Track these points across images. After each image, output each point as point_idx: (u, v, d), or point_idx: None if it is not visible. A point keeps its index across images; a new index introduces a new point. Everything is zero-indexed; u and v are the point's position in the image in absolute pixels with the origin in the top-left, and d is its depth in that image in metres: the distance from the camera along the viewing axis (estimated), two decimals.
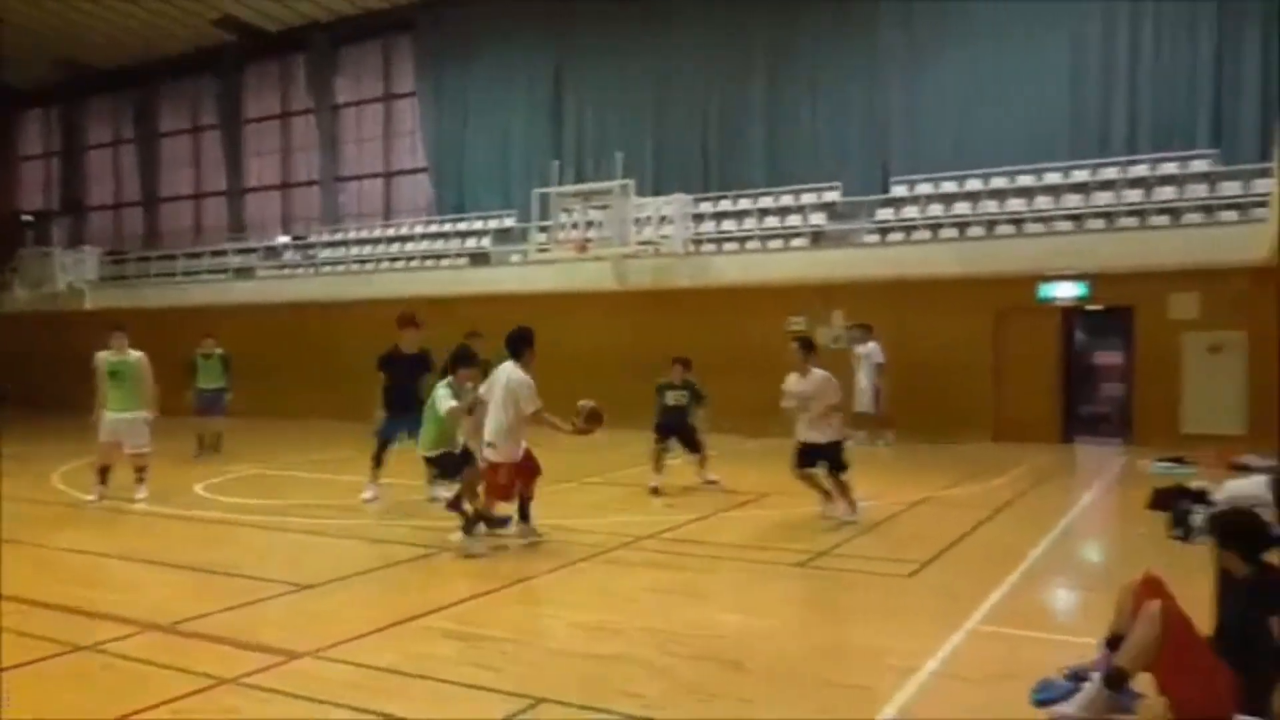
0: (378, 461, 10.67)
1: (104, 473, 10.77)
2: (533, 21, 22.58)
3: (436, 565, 7.89)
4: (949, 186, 17.77)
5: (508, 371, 8.20)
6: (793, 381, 9.30)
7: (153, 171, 29.80)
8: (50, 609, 6.49)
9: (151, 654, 5.52)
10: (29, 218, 30.63)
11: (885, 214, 17.92)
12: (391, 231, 23.85)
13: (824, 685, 4.95)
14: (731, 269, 17.98)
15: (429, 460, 8.54)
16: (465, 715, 4.60)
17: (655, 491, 10.90)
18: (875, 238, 17.65)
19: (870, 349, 15.72)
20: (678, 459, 11.80)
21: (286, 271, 24.26)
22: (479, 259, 21.47)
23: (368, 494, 10.52)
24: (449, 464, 8.39)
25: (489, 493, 8.26)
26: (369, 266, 22.92)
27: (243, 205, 28.20)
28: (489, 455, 8.09)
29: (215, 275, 24.94)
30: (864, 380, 15.70)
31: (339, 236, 24.72)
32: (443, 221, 23.21)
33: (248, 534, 9.37)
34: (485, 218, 22.66)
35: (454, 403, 8.15)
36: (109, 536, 9.25)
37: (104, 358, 10.80)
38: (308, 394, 20.39)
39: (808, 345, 9.65)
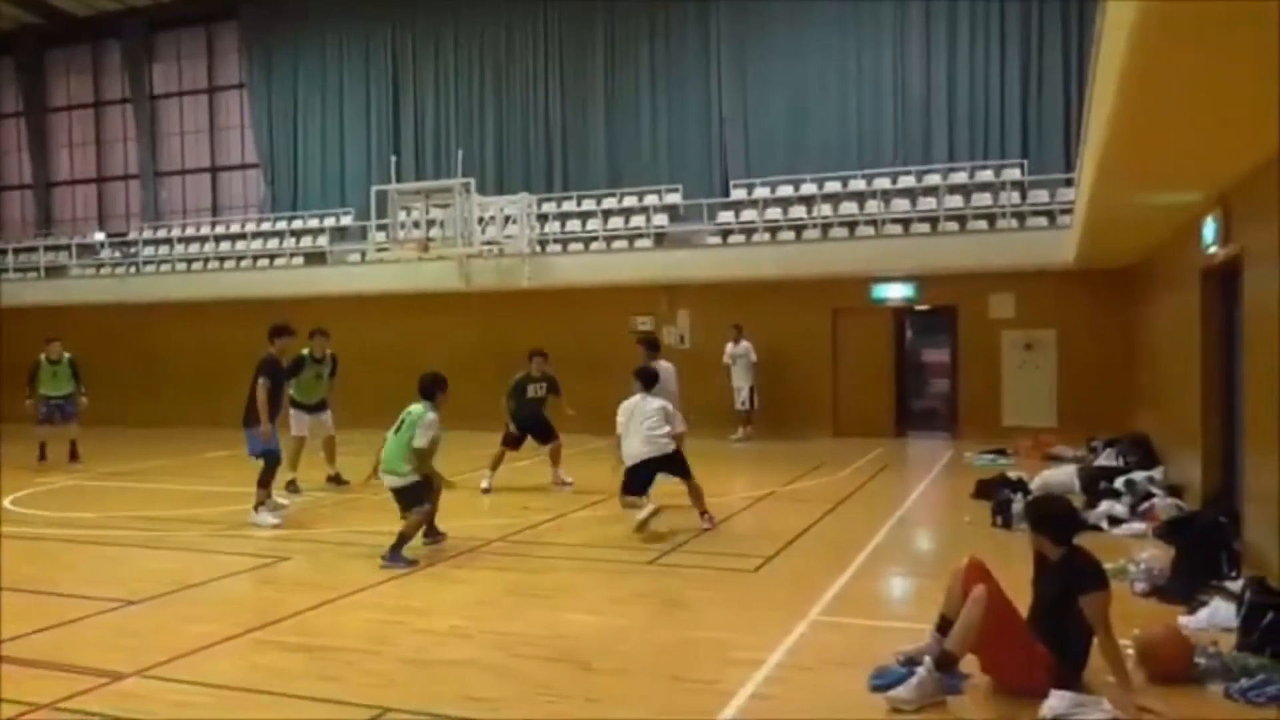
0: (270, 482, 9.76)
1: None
2: (367, 10, 21.92)
3: (275, 575, 7.58)
4: (785, 190, 18.36)
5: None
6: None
7: None
8: None
9: None
10: None
11: (726, 216, 18.34)
12: (220, 229, 22.70)
13: (671, 681, 5.02)
14: (576, 269, 18.02)
15: (400, 490, 7.93)
16: None
17: (486, 491, 10.96)
18: (717, 239, 18.05)
19: (744, 348, 16.15)
20: (528, 459, 11.73)
21: (104, 270, 22.73)
22: (315, 258, 20.71)
23: (274, 519, 9.48)
24: (419, 492, 7.95)
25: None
26: (196, 266, 21.74)
27: (51, 199, 26.23)
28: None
29: (21, 274, 23.11)
30: (738, 379, 16.15)
31: (162, 234, 23.34)
32: (275, 219, 22.27)
33: (64, 549, 8.72)
34: (321, 216, 21.89)
35: (431, 435, 7.85)
36: None
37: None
38: (124, 400, 19.21)
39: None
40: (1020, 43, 17.52)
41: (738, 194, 18.64)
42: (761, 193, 18.31)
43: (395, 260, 17.91)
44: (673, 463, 8.85)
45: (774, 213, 17.95)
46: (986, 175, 17.19)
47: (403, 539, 7.73)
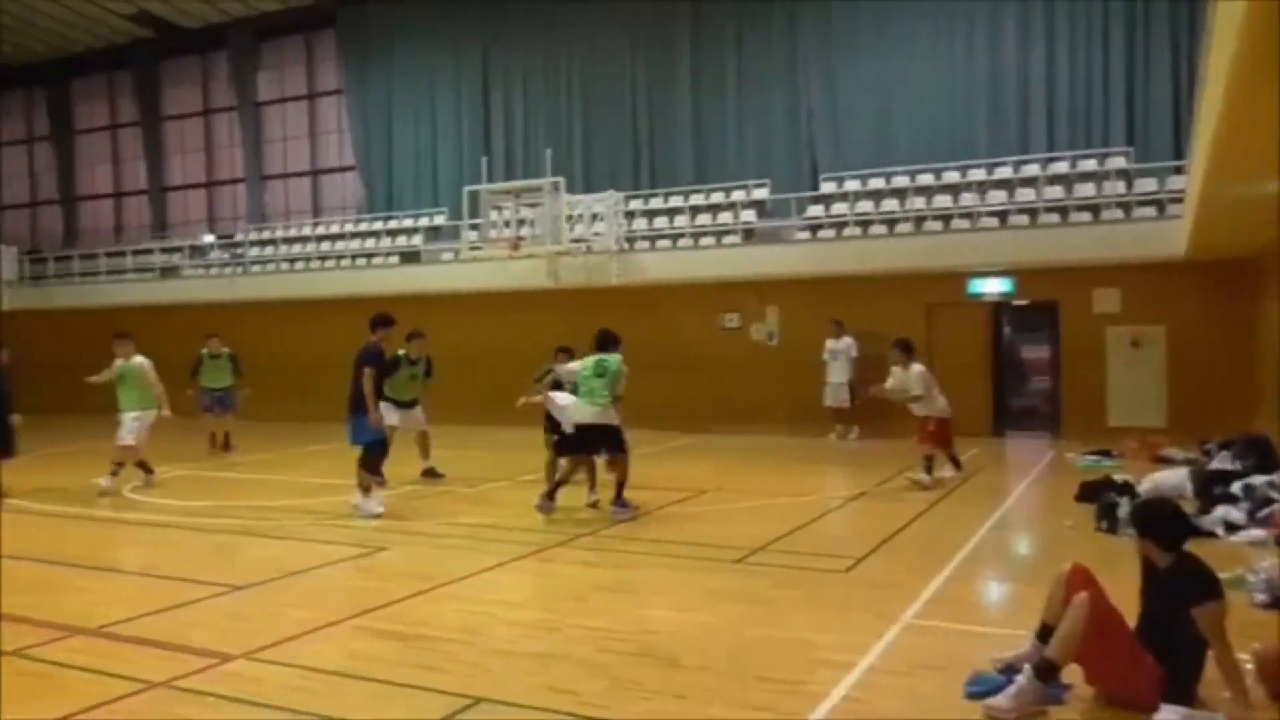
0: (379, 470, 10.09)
1: (143, 464, 11.79)
2: (459, 15, 22.32)
3: (373, 565, 7.79)
4: (876, 183, 18.06)
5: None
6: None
7: (69, 169, 28.83)
8: None
9: (78, 659, 5.36)
10: None
11: (815, 211, 18.14)
12: (320, 230, 23.42)
13: (759, 681, 4.98)
14: (664, 266, 18.04)
15: (606, 430, 9.24)
16: (404, 715, 4.54)
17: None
18: (806, 234, 17.87)
19: (846, 343, 15.97)
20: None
21: (214, 271, 23.67)
22: (410, 257, 21.20)
23: (380, 507, 9.71)
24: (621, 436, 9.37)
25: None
26: (298, 265, 22.47)
27: (166, 204, 27.44)
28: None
29: (140, 275, 24.23)
30: (838, 375, 15.97)
31: (266, 235, 24.20)
32: (373, 220, 22.88)
33: (177, 536, 9.13)
34: (415, 216, 22.39)
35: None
36: (26, 540, 8.92)
37: (117, 363, 11.73)
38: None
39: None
40: (1125, 24, 16.87)
41: (827, 188, 18.41)
42: (852, 186, 18.04)
43: (487, 259, 18.20)
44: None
45: (865, 206, 17.68)
46: (1089, 165, 16.62)
47: (621, 486, 9.17)
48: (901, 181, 17.76)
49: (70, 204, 28.83)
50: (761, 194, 18.91)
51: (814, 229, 17.86)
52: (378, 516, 9.50)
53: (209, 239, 25.31)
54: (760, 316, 17.58)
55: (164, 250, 24.81)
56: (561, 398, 9.92)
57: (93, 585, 7.27)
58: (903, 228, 17.06)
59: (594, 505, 9.76)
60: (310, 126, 25.48)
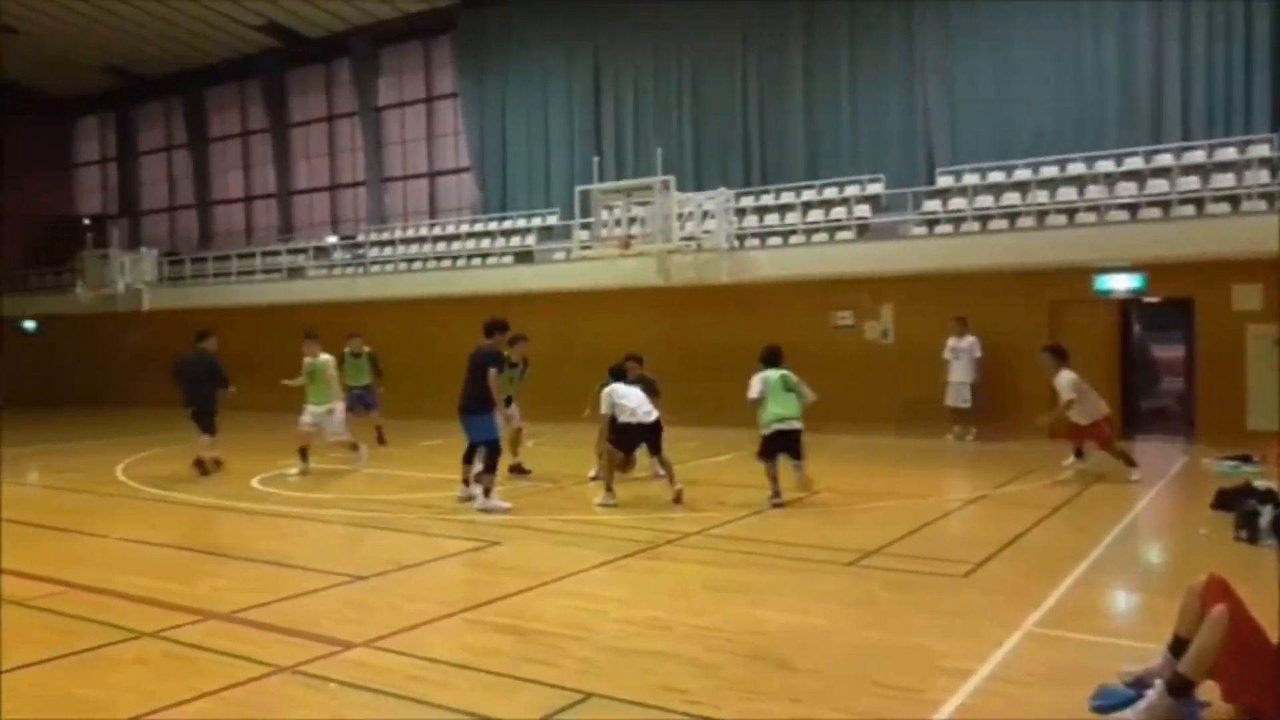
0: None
1: (304, 452, 12.76)
2: (570, 18, 22.58)
3: (484, 559, 7.95)
4: (996, 176, 17.50)
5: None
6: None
7: (204, 175, 30.35)
8: (113, 596, 6.66)
9: (211, 641, 5.64)
10: (88, 221, 31.36)
11: (932, 205, 17.69)
12: (437, 230, 24.05)
13: (873, 686, 4.88)
14: (775, 263, 17.86)
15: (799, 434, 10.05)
16: (517, 708, 4.61)
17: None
18: (922, 230, 17.44)
19: (970, 342, 15.58)
20: (728, 454, 11.72)
21: (336, 271, 24.55)
22: (523, 257, 21.57)
23: (506, 504, 9.99)
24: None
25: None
26: (416, 265, 23.12)
27: (291, 206, 28.63)
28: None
29: (268, 275, 25.34)
30: (961, 375, 15.58)
31: (386, 236, 24.98)
32: (487, 220, 23.36)
33: (302, 527, 9.51)
34: (529, 216, 22.75)
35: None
36: (165, 527, 9.44)
37: (306, 361, 13.13)
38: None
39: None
40: (1271, 2, 15.90)
41: (944, 182, 17.93)
42: (970, 180, 17.52)
43: (597, 257, 18.36)
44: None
45: (984, 200, 17.15)
46: (1229, 153, 15.73)
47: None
48: (1023, 174, 17.16)
49: (205, 208, 30.36)
50: (876, 189, 18.55)
51: (930, 224, 17.43)
52: (506, 512, 9.66)
53: (332, 240, 26.27)
54: (874, 314, 17.24)
55: (290, 251, 25.87)
56: (620, 391, 10.33)
57: (225, 572, 7.63)
58: (1024, 222, 16.48)
59: (678, 499, 9.98)
60: (428, 129, 26.18)
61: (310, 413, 12.96)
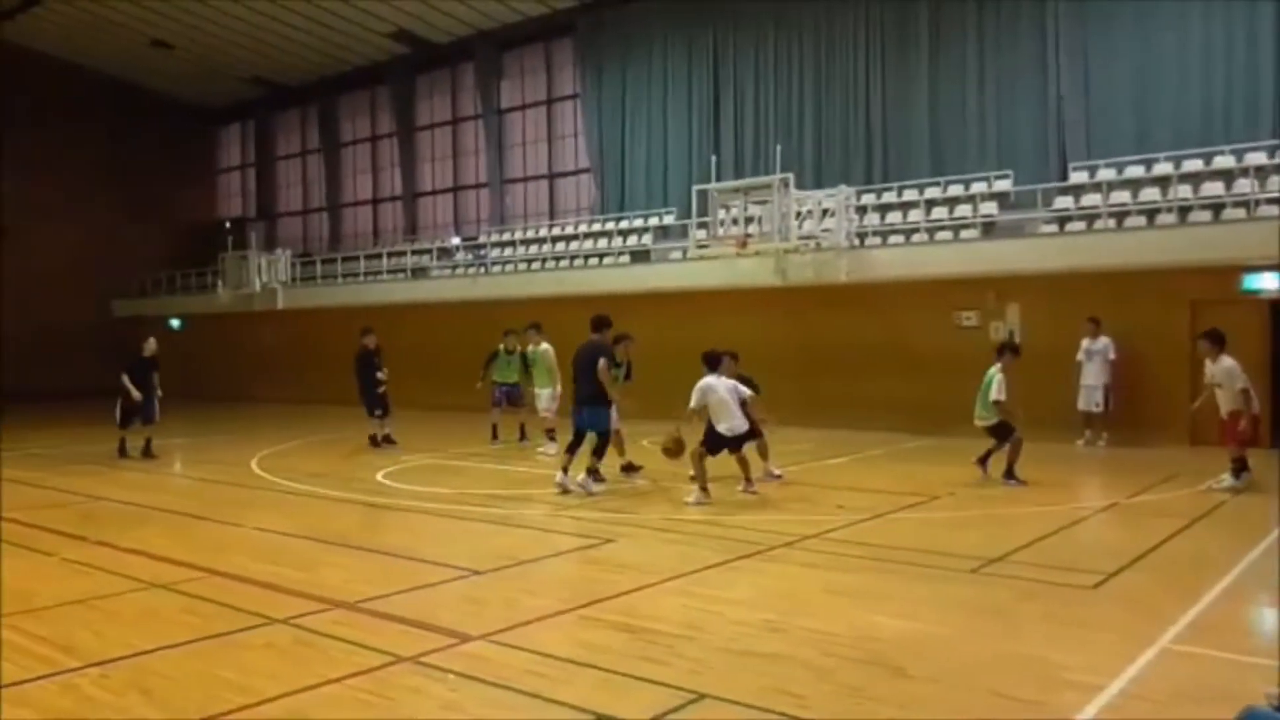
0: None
1: (551, 432, 14.24)
2: (691, 18, 22.62)
3: (599, 556, 8.02)
4: (1134, 171, 16.69)
5: None
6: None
7: (335, 178, 31.61)
8: (248, 583, 7.00)
9: (337, 630, 5.86)
10: (229, 224, 33.13)
11: (1063, 202, 17.00)
12: (556, 231, 24.42)
13: (994, 698, 4.71)
14: (896, 263, 17.46)
15: (991, 428, 11.32)
16: (630, 706, 4.63)
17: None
18: (1053, 227, 16.78)
19: (1103, 344, 14.99)
20: (844, 457, 11.54)
21: (459, 271, 25.19)
22: (640, 256, 21.69)
23: (598, 487, 10.95)
24: (1006, 429, 11.21)
25: None
26: (535, 265, 23.53)
27: (417, 208, 29.54)
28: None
29: (393, 275, 26.19)
30: (1093, 378, 15.01)
31: (506, 236, 25.49)
32: (605, 220, 23.58)
33: (422, 520, 9.80)
34: (646, 216, 22.87)
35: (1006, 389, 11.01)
36: (295, 518, 9.85)
37: (530, 350, 14.88)
38: (470, 388, 21.16)
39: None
40: None
41: (1077, 177, 17.21)
42: (1106, 175, 16.77)
43: (714, 257, 18.31)
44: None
45: (1121, 196, 16.39)
46: None
47: (1011, 463, 10.97)
48: (1164, 169, 16.32)
49: (335, 210, 31.63)
50: (1004, 185, 17.95)
51: (1062, 221, 16.75)
52: (594, 495, 10.57)
53: (455, 241, 26.99)
54: (1000, 314, 16.67)
55: (415, 252, 26.68)
56: (711, 385, 10.48)
57: (350, 563, 7.92)
58: (1165, 218, 15.68)
59: (750, 488, 10.55)
60: (548, 131, 26.63)
61: (542, 396, 14.46)
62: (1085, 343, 15.04)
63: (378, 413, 15.51)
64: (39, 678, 5.06)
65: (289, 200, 33.75)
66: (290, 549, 8.43)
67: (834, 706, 4.60)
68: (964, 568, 7.34)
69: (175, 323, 30.68)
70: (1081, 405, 15.05)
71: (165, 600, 6.65)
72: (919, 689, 4.84)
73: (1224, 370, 10.80)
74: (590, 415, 10.87)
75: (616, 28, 23.90)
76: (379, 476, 12.43)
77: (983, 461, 11.49)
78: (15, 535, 8.91)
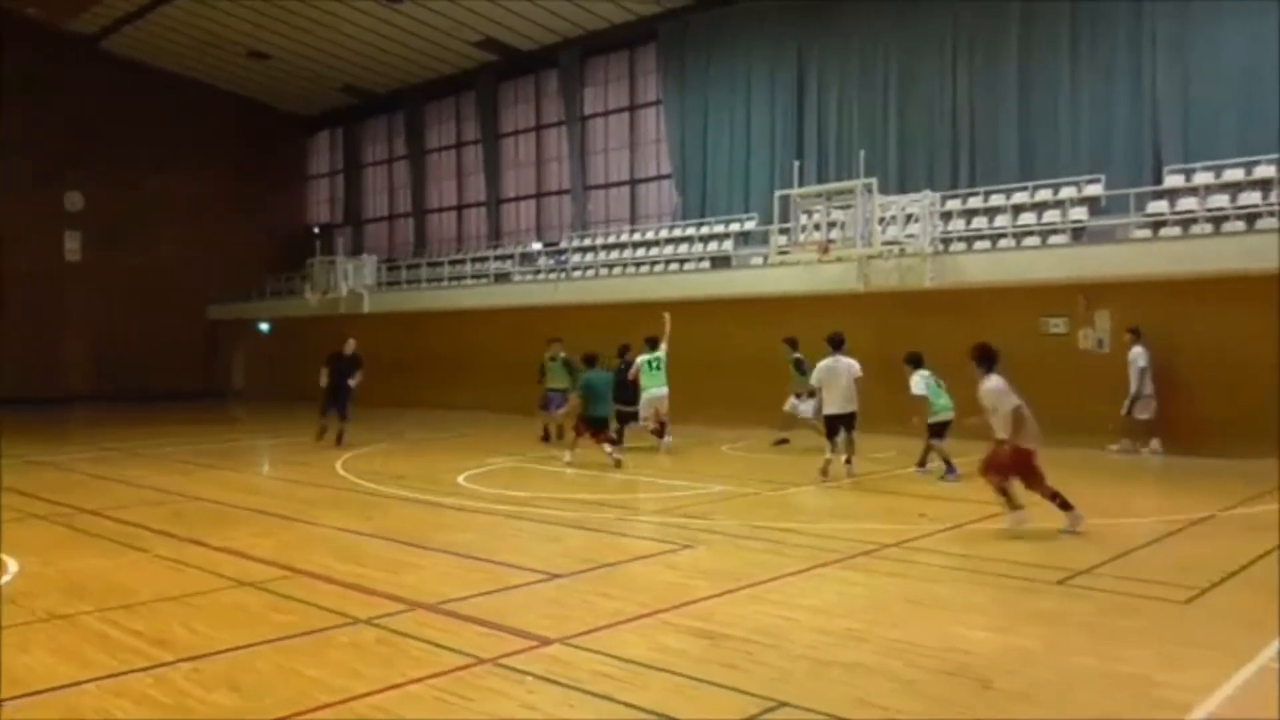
0: None
1: (663, 427, 15.21)
2: (774, 23, 22.50)
3: (678, 561, 8.02)
4: (1234, 174, 16.05)
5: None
6: None
7: (421, 185, 32.25)
8: (332, 583, 7.17)
9: (419, 630, 5.97)
10: (317, 230, 34.09)
11: (1157, 206, 16.44)
12: (637, 236, 24.50)
13: (1082, 712, 4.59)
14: (982, 268, 17.07)
15: None
16: (709, 712, 4.63)
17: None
18: (1146, 232, 16.24)
19: (1135, 353, 14.58)
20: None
21: (541, 276, 25.46)
22: (721, 262, 21.63)
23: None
24: None
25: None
26: (616, 271, 23.64)
27: (500, 214, 29.96)
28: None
29: (477, 280, 26.60)
30: (1133, 385, 14.62)
31: (588, 242, 25.68)
32: (686, 226, 23.58)
33: (501, 523, 9.91)
34: (727, 221, 22.80)
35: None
36: (379, 520, 10.05)
37: (643, 356, 15.30)
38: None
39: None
40: None
41: (1173, 180, 16.63)
42: (1204, 178, 16.17)
43: (795, 263, 18.16)
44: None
45: (1219, 200, 15.78)
46: None
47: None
48: (1266, 171, 15.67)
49: (420, 216, 32.26)
50: (1095, 190, 17.44)
51: (1156, 226, 16.21)
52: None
53: (537, 246, 27.30)
54: (1089, 321, 16.20)
55: (498, 257, 27.06)
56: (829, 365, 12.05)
57: (432, 564, 8.06)
58: (1267, 223, 15.04)
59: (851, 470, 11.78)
60: (630, 137, 26.78)
61: (654, 395, 15.08)
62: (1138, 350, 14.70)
63: (332, 412, 16.57)
64: (135, 670, 5.27)
65: (376, 206, 34.56)
66: (372, 550, 8.62)
67: (916, 718, 4.52)
68: (1051, 579, 7.16)
69: (264, 326, 31.59)
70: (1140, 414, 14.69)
71: (254, 598, 6.85)
72: (1007, 703, 4.73)
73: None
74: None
75: (699, 34, 23.91)
76: (460, 479, 12.62)
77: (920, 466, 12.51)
78: (113, 532, 9.30)
